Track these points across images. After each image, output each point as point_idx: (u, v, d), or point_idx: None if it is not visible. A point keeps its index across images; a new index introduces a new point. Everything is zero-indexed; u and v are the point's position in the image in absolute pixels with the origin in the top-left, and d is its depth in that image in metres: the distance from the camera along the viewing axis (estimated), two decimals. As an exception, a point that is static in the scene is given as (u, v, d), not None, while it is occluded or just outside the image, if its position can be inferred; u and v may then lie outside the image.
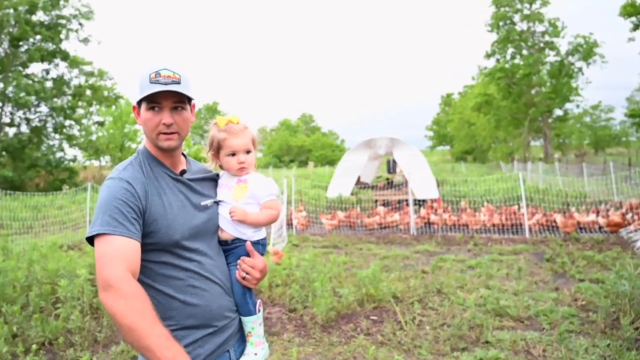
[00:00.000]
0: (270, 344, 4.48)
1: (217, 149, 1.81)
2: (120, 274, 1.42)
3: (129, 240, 1.49)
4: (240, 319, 1.79)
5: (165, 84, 1.59)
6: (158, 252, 1.60)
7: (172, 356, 1.37)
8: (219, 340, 1.69)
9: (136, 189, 1.57)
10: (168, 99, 1.63)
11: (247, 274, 1.74)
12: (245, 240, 1.77)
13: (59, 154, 29.58)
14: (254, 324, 1.78)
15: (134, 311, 1.38)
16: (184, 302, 1.61)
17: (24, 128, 29.55)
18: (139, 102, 1.67)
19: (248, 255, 1.76)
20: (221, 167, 1.87)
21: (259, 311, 1.80)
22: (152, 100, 1.62)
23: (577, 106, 43.63)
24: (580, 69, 40.60)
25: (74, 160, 31.34)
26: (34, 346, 4.27)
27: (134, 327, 1.37)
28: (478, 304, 5.28)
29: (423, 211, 11.84)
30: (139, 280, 1.51)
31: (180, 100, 1.66)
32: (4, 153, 27.35)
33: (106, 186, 1.59)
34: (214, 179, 1.87)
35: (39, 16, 28.90)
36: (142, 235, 1.56)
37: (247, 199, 1.78)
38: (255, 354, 1.77)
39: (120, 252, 1.46)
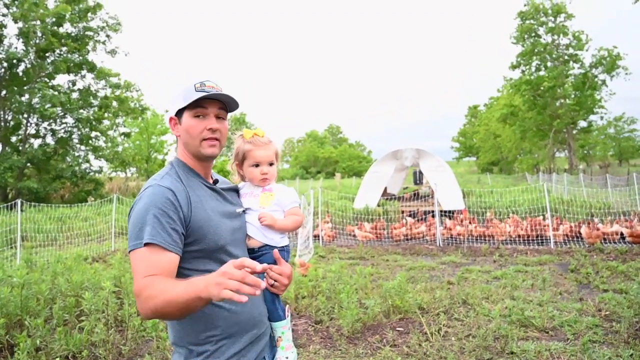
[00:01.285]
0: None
1: (241, 159, 1.87)
2: (148, 280, 1.45)
3: (169, 254, 1.51)
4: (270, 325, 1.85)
5: (211, 92, 1.66)
6: (204, 260, 1.62)
7: (204, 286, 1.33)
8: (259, 348, 1.74)
9: (178, 197, 1.57)
10: (214, 106, 1.69)
11: (275, 281, 1.74)
12: (271, 247, 1.80)
13: (84, 166, 29.10)
14: (284, 329, 1.84)
15: (163, 294, 1.41)
16: (229, 310, 1.63)
17: (50, 139, 29.06)
18: (180, 112, 1.70)
19: (274, 262, 1.77)
20: (243, 178, 1.93)
21: (288, 316, 1.86)
22: (198, 106, 1.66)
23: (601, 118, 42.91)
24: (604, 81, 40.13)
25: (100, 171, 30.90)
26: (58, 359, 4.25)
27: (166, 302, 1.39)
28: (503, 314, 5.34)
29: (449, 222, 11.93)
30: None
31: (222, 109, 1.73)
32: (29, 165, 26.98)
33: (150, 193, 1.57)
34: (236, 190, 1.91)
35: (66, 28, 28.67)
36: (187, 243, 1.58)
37: (273, 206, 1.84)
38: (287, 358, 1.82)
39: (158, 264, 1.48)
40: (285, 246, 1.86)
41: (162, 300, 1.39)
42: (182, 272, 1.59)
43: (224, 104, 1.74)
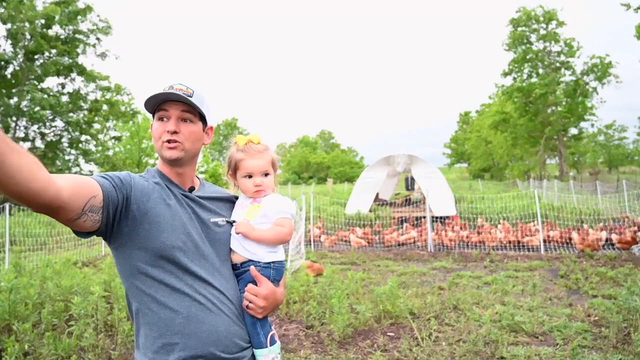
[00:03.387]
0: (286, 361, 4.54)
1: (234, 169, 1.75)
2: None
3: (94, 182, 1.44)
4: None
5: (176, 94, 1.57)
6: (163, 261, 1.52)
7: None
8: None
9: (135, 181, 1.55)
10: (176, 108, 1.59)
11: (250, 302, 1.62)
12: (255, 263, 1.65)
13: (74, 170, 29.02)
14: (265, 358, 1.63)
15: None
16: (186, 318, 1.50)
17: (39, 143, 28.90)
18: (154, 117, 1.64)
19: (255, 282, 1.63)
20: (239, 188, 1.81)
21: (272, 343, 1.64)
22: (161, 109, 1.60)
23: (592, 125, 43.66)
24: (595, 89, 40.73)
25: (90, 175, 30.78)
26: None
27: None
28: (493, 319, 5.36)
29: (440, 228, 11.99)
30: (141, 292, 1.52)
31: (190, 112, 1.61)
32: None
33: None
34: (231, 201, 1.79)
35: (56, 30, 28.20)
36: (144, 239, 1.50)
37: (260, 218, 1.68)
38: None
39: (75, 178, 1.37)
40: (275, 262, 1.69)
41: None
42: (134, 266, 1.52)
43: (192, 105, 1.61)
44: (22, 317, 5.01)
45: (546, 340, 4.92)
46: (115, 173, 1.53)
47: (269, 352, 1.63)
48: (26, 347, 4.48)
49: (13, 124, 27.96)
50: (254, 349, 1.64)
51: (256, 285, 1.63)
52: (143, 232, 1.51)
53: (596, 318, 5.47)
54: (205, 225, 1.64)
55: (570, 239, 10.39)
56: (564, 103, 40.96)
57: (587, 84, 40.61)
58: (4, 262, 9.28)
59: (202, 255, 1.58)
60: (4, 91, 26.91)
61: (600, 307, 5.77)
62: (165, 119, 1.60)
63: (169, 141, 1.58)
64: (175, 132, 1.58)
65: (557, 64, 41.79)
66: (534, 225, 11.26)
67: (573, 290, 6.99)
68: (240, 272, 1.66)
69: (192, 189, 1.70)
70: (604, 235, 10.08)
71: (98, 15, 30.09)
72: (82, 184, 1.37)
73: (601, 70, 39.18)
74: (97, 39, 30.32)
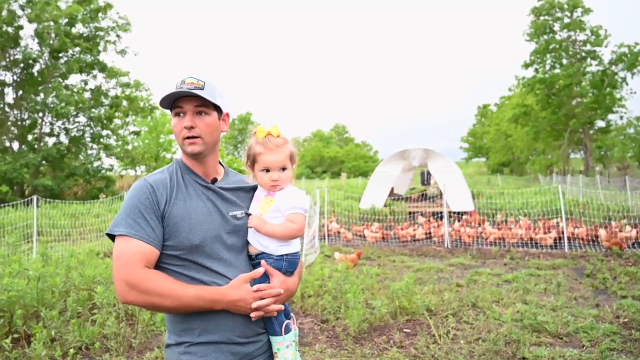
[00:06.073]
0: (302, 354, 4.50)
1: (252, 161, 1.77)
2: (144, 275, 1.54)
3: (148, 246, 1.57)
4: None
5: (188, 90, 1.62)
6: (181, 260, 1.62)
7: (234, 299, 1.58)
8: (245, 351, 1.66)
9: (157, 193, 1.62)
10: (190, 104, 1.65)
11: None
12: (268, 255, 1.70)
13: (96, 163, 30.17)
14: (279, 345, 1.70)
15: (160, 291, 1.54)
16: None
17: (63, 138, 30.24)
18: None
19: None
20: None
21: (287, 332, 1.71)
22: (176, 106, 1.67)
23: (621, 117, 41.74)
24: (624, 79, 38.99)
25: (111, 169, 31.93)
26: (72, 350, 4.37)
27: (168, 299, 1.54)
28: (515, 319, 5.20)
29: (457, 224, 11.70)
30: None
31: (203, 105, 1.67)
32: (44, 162, 28.11)
33: (135, 187, 1.66)
34: (253, 189, 1.84)
35: (78, 28, 29.61)
36: (164, 238, 1.62)
37: (272, 212, 1.71)
38: None
39: (141, 256, 1.55)
40: (287, 255, 1.72)
41: (170, 302, 1.54)
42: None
43: (204, 98, 1.66)
44: (49, 305, 5.23)
45: (571, 342, 4.73)
46: (151, 207, 1.62)
47: (284, 340, 1.70)
48: (53, 333, 4.70)
49: (40, 120, 29.22)
50: (269, 336, 1.72)
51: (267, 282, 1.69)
52: (165, 234, 1.63)
53: (626, 320, 5.23)
54: (225, 219, 1.70)
55: (596, 236, 9.98)
56: (590, 94, 39.49)
57: (615, 74, 38.93)
58: (32, 252, 9.65)
59: (219, 249, 1.66)
60: (31, 88, 28.14)
61: (630, 308, 5.53)
62: (181, 114, 1.67)
63: (188, 137, 1.66)
64: (192, 127, 1.65)
65: (583, 54, 40.30)
66: (558, 222, 10.87)
67: (600, 290, 6.72)
68: (256, 263, 1.72)
69: (214, 180, 1.76)
70: (633, 233, 9.66)
71: (117, 13, 31.21)
72: (153, 262, 1.61)
73: (630, 59, 37.35)
74: (117, 35, 31.43)
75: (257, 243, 1.70)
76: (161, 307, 1.56)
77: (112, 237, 1.61)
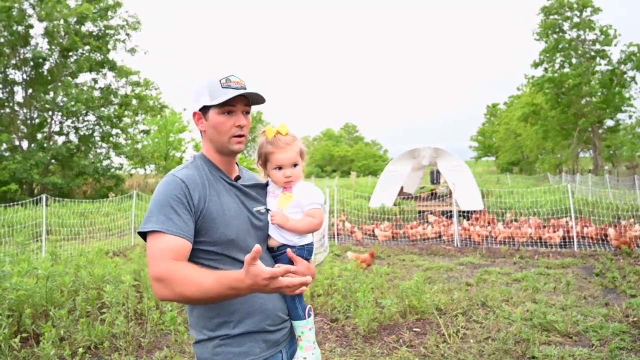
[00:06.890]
0: (312, 353, 4.56)
1: (264, 161, 1.83)
2: (169, 266, 1.52)
3: (180, 240, 1.56)
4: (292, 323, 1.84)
5: (237, 89, 1.67)
6: (217, 255, 1.66)
7: (250, 283, 1.43)
8: (274, 338, 1.74)
9: (190, 189, 1.62)
10: (241, 103, 1.70)
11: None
12: (289, 246, 1.79)
13: (105, 162, 30.16)
14: (303, 329, 1.81)
15: (194, 283, 1.50)
16: (242, 299, 1.65)
17: (73, 137, 30.23)
18: (205, 107, 1.71)
19: (292, 262, 1.76)
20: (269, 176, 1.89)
21: (309, 316, 1.82)
22: (227, 104, 1.67)
23: (630, 117, 41.27)
24: (633, 78, 38.68)
25: (120, 168, 31.89)
26: (80, 350, 4.35)
27: (192, 287, 1.50)
28: (524, 318, 5.21)
29: (466, 223, 11.70)
30: None
31: (248, 105, 1.74)
32: (53, 161, 28.04)
33: (164, 182, 1.65)
34: (266, 186, 1.91)
35: (88, 27, 29.60)
36: (199, 233, 1.63)
37: (291, 208, 1.79)
38: (305, 358, 1.79)
39: (172, 249, 1.54)
40: (307, 245, 1.84)
41: (194, 290, 1.49)
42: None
43: (249, 98, 1.73)
44: (58, 304, 5.21)
45: (581, 341, 4.75)
46: (184, 201, 1.61)
47: (307, 324, 1.81)
48: (62, 332, 4.67)
49: (49, 119, 29.17)
50: (292, 321, 1.82)
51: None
52: (201, 230, 1.64)
53: (635, 319, 5.23)
54: (252, 214, 1.77)
55: (605, 235, 9.96)
56: (599, 94, 39.19)
57: (624, 73, 38.64)
58: (41, 251, 9.63)
59: (250, 243, 1.68)
60: (40, 87, 28.14)
61: (639, 307, 5.50)
62: (232, 113, 1.69)
63: (239, 135, 1.70)
64: (243, 127, 1.71)
65: (592, 53, 39.98)
66: (568, 221, 10.86)
67: (609, 289, 6.71)
68: (277, 254, 1.81)
69: (237, 178, 1.82)
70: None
71: (127, 11, 31.80)
72: (186, 255, 1.60)
73: (639, 58, 37.32)
74: (127, 34, 31.30)
75: (280, 237, 1.79)
76: (189, 298, 1.53)
77: (144, 235, 1.62)
